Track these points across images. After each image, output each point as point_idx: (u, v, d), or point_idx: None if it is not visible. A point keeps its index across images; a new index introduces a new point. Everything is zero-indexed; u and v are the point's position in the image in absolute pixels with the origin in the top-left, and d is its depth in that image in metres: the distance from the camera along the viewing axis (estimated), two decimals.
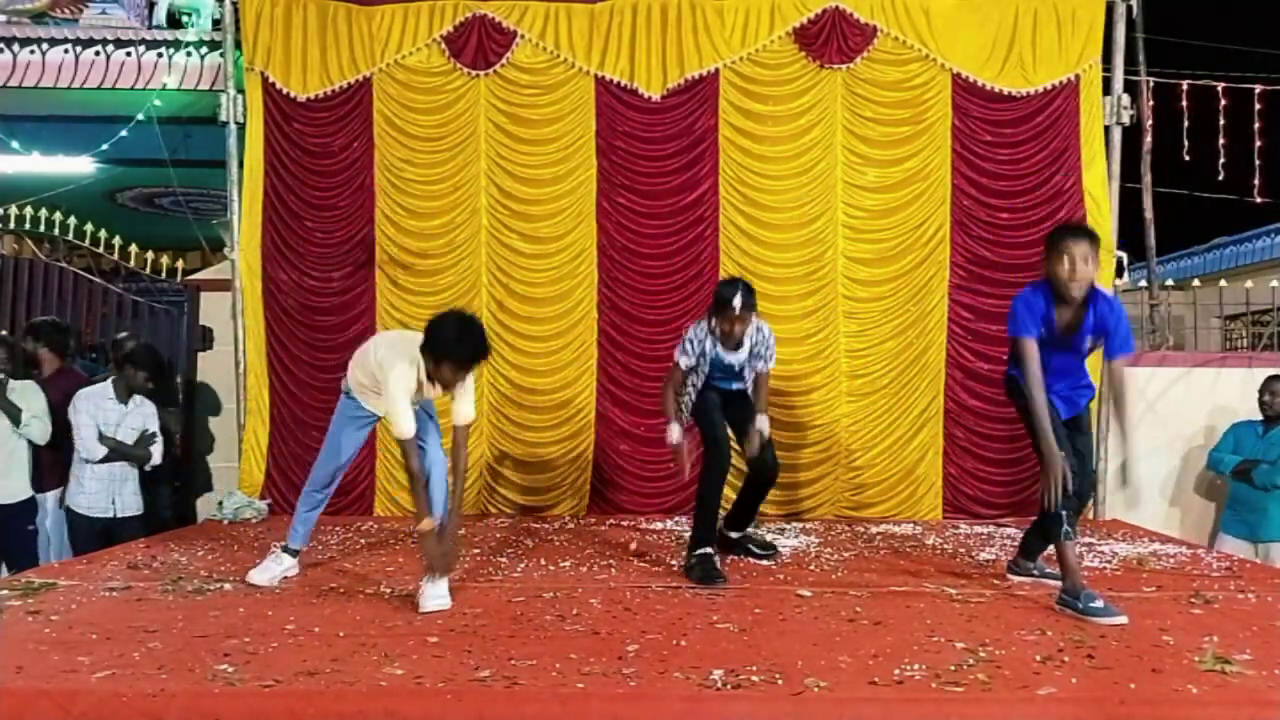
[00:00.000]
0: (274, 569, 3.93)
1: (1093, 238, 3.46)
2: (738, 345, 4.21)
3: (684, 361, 4.22)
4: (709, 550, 4.09)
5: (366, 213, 5.93)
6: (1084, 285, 3.42)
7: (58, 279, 6.38)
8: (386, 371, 3.61)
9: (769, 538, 4.79)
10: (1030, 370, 3.46)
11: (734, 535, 4.55)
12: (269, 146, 5.92)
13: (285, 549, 4.01)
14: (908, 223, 5.85)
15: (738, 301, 4.03)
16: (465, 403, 3.75)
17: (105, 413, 4.99)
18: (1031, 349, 3.47)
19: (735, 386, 4.38)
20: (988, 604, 3.61)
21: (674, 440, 4.21)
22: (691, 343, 4.20)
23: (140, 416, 5.10)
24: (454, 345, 3.52)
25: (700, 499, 4.19)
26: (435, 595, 3.48)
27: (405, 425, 3.56)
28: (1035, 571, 3.99)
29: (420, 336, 3.62)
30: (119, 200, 9.86)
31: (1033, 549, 3.99)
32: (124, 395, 5.07)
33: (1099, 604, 3.34)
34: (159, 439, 5.15)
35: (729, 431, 4.35)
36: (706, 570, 3.96)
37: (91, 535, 4.93)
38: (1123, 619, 3.28)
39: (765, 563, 4.41)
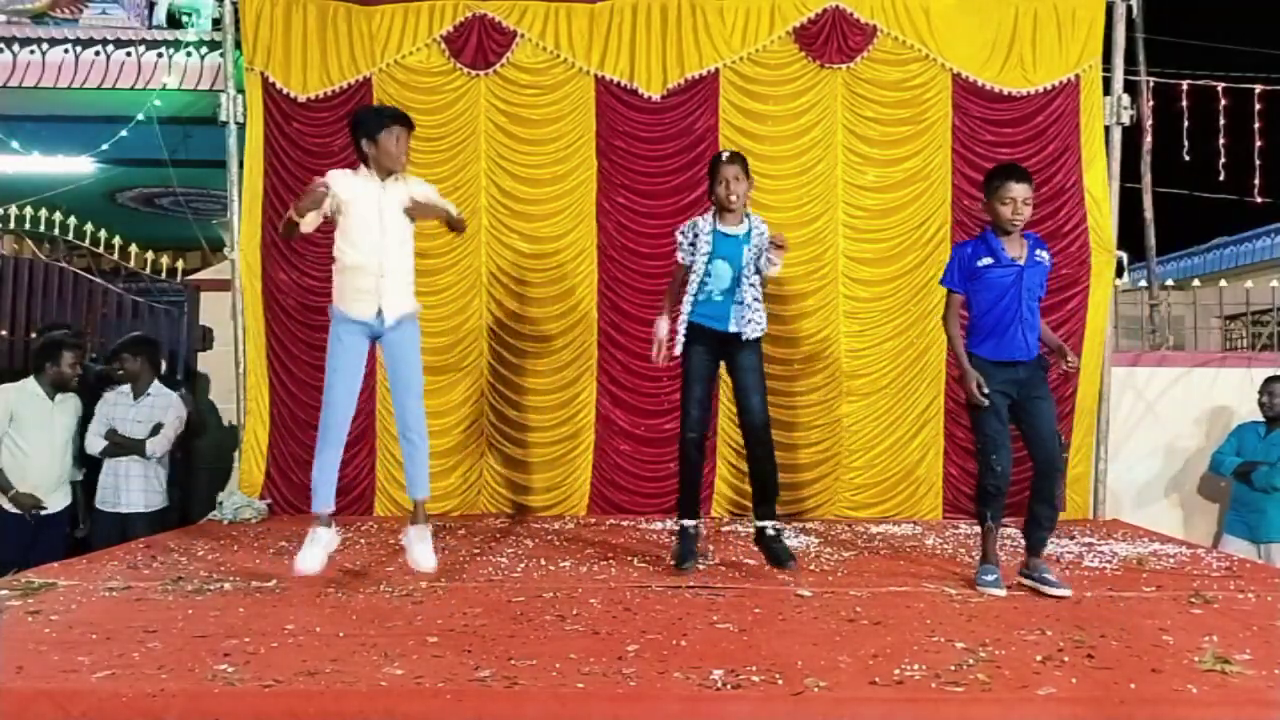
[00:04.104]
0: (315, 550, 3.73)
1: (1030, 180, 3.81)
2: (740, 221, 4.19)
3: (682, 257, 4.25)
4: (686, 523, 4.19)
5: None
6: (1023, 221, 3.79)
7: (58, 279, 6.38)
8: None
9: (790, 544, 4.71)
10: (949, 316, 3.93)
11: (760, 526, 4.28)
12: (269, 146, 5.91)
13: (316, 522, 3.79)
14: (908, 222, 5.85)
15: (726, 155, 4.22)
16: (438, 199, 4.06)
17: (118, 409, 5.14)
18: (954, 301, 3.93)
19: (731, 313, 4.16)
20: (988, 604, 3.61)
21: (659, 333, 4.24)
22: (684, 233, 4.27)
23: (149, 408, 5.17)
24: (373, 116, 3.93)
25: (679, 468, 4.29)
26: (423, 555, 3.74)
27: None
28: (1035, 573, 3.97)
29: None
30: (119, 200, 9.85)
31: (1036, 546, 3.97)
32: (136, 391, 5.19)
33: (990, 577, 3.77)
34: (165, 430, 5.19)
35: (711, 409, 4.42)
36: (679, 546, 4.09)
37: (108, 529, 5.03)
38: (1000, 591, 3.69)
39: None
